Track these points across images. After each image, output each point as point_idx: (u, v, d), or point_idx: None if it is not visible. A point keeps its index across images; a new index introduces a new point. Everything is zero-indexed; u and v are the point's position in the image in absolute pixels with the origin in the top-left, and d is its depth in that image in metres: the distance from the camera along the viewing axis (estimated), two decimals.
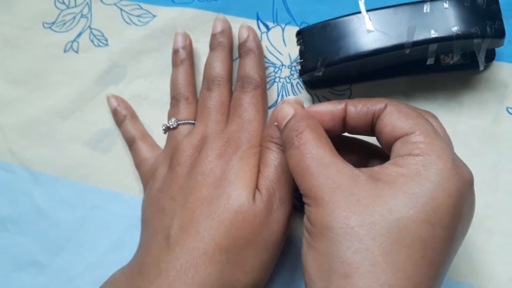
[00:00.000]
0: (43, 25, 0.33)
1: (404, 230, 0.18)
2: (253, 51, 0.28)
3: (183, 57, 0.30)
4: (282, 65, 0.30)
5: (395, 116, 0.21)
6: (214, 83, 0.28)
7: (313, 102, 0.30)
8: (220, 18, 0.29)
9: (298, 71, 0.30)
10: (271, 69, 0.31)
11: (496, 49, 0.28)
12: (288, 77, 0.30)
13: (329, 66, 0.26)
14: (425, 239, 0.18)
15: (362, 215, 0.18)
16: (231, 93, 0.28)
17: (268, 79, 0.30)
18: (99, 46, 0.33)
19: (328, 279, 0.18)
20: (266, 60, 0.31)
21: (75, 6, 0.33)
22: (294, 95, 0.30)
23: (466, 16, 0.25)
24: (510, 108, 0.28)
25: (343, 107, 0.23)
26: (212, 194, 0.24)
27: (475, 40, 0.24)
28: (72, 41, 0.33)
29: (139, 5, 0.32)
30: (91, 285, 0.29)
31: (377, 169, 0.20)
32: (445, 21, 0.25)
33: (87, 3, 0.33)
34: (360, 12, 0.26)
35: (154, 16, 0.32)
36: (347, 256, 0.18)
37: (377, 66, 0.28)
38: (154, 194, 0.26)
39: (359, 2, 0.26)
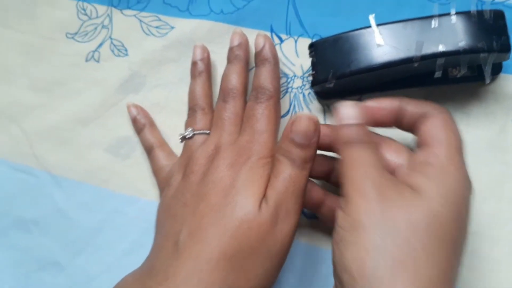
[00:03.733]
0: (66, 35, 0.35)
1: (440, 227, 0.20)
2: (268, 60, 0.29)
3: (201, 69, 0.31)
4: (295, 75, 0.32)
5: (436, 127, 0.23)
6: (230, 95, 0.29)
7: (325, 112, 0.31)
8: (237, 32, 0.30)
9: (310, 82, 0.31)
10: (284, 79, 0.32)
11: (503, 62, 0.29)
12: (300, 87, 0.31)
13: (340, 78, 0.27)
14: (455, 237, 0.20)
15: (406, 213, 0.20)
16: (245, 104, 0.29)
17: (281, 89, 0.32)
18: (119, 56, 0.34)
19: (372, 275, 0.19)
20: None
21: (97, 17, 0.35)
22: (306, 105, 0.31)
23: (473, 31, 0.26)
24: None
25: (398, 104, 0.24)
26: (221, 202, 0.24)
27: (482, 55, 0.25)
28: (94, 51, 0.34)
29: (158, 17, 0.34)
30: (109, 286, 0.31)
31: (408, 177, 0.22)
32: (452, 36, 0.26)
33: (108, 15, 0.35)
34: (370, 27, 0.27)
35: (172, 27, 0.33)
36: (392, 251, 0.19)
37: (387, 78, 0.29)
38: (168, 201, 0.27)
39: (370, 17, 0.27)
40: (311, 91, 0.31)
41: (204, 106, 0.30)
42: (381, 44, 0.26)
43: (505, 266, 0.27)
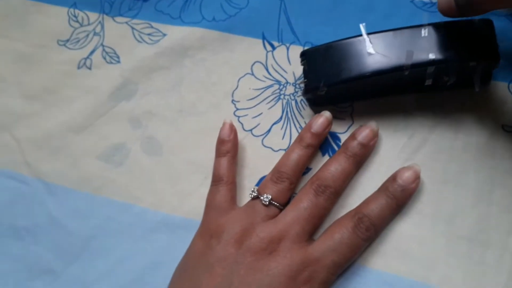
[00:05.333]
0: (57, 42, 0.35)
1: None
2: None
3: (309, 142, 0.29)
4: (287, 82, 0.32)
5: None
6: (324, 192, 0.27)
7: None
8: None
9: (302, 89, 0.31)
10: (276, 86, 0.32)
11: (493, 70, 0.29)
12: (293, 94, 0.32)
13: (331, 86, 0.28)
14: None
15: None
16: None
17: (273, 96, 0.32)
18: (111, 63, 0.34)
19: None
20: (271, 78, 0.32)
21: (88, 24, 0.35)
22: (298, 111, 0.31)
23: (462, 40, 0.26)
24: (506, 126, 0.29)
25: None
26: None
27: (471, 63, 0.26)
28: (86, 58, 0.34)
29: (150, 24, 0.34)
30: None
31: None
32: (442, 45, 0.26)
33: (99, 22, 0.35)
34: (361, 35, 0.27)
35: (164, 35, 0.34)
36: None
37: (378, 86, 0.29)
38: (212, 260, 0.26)
39: (360, 26, 0.27)
40: (303, 98, 0.31)
41: (293, 180, 0.28)
42: (372, 53, 0.26)
43: (495, 270, 0.27)
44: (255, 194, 0.28)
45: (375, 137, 0.29)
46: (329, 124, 0.29)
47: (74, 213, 0.32)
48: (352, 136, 0.28)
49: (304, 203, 0.27)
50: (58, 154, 0.33)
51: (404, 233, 0.28)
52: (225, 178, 0.29)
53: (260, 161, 0.31)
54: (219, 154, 0.30)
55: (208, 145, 0.31)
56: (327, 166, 0.28)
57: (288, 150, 0.29)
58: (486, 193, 0.28)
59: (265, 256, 0.26)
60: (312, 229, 0.27)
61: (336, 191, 0.27)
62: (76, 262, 0.32)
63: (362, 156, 0.28)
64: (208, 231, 0.28)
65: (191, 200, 0.31)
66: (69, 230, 0.32)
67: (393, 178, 0.27)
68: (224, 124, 0.30)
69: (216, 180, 0.29)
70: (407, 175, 0.27)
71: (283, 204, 0.28)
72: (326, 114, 0.29)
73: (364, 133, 0.28)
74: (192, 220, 0.30)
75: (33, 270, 0.32)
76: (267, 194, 0.28)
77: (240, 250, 0.26)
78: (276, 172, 0.28)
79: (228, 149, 0.30)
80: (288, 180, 0.28)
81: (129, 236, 0.31)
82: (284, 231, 0.26)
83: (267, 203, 0.27)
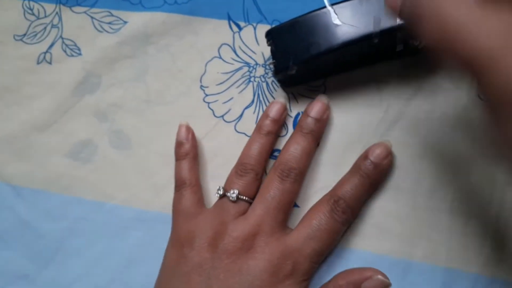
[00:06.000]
0: (14, 37, 0.33)
1: None
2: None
3: (269, 129, 0.28)
4: (256, 64, 0.31)
5: None
6: (289, 176, 0.26)
7: (289, 100, 0.30)
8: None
9: (272, 70, 0.30)
10: (246, 69, 0.31)
11: None
12: (263, 76, 0.30)
13: (301, 64, 0.26)
14: None
15: None
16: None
17: (243, 79, 0.31)
18: (72, 56, 0.32)
19: None
20: (240, 60, 0.31)
21: (45, 16, 0.33)
22: (270, 93, 0.30)
23: None
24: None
25: None
26: None
27: None
28: (45, 52, 0.33)
29: (109, 12, 0.32)
30: None
31: None
32: None
33: (56, 13, 0.33)
34: (325, 7, 0.26)
35: (125, 22, 0.32)
36: None
37: (349, 58, 0.28)
38: (186, 265, 0.25)
39: None
40: (274, 79, 0.30)
41: (259, 170, 0.27)
42: (338, 24, 0.25)
43: (479, 241, 0.27)
44: (221, 193, 0.27)
45: (327, 110, 0.28)
46: (285, 109, 0.29)
47: (45, 215, 0.31)
48: (305, 113, 0.28)
49: (271, 191, 0.26)
50: (23, 155, 0.32)
51: (383, 210, 0.27)
52: (187, 181, 0.28)
53: (234, 148, 0.30)
54: (178, 157, 0.29)
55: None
56: (286, 149, 0.27)
57: (249, 141, 0.28)
58: (465, 164, 0.27)
59: (242, 255, 0.25)
60: (285, 216, 0.26)
61: (301, 172, 0.27)
62: (50, 265, 0.30)
63: (319, 131, 0.28)
64: (178, 240, 0.27)
65: (165, 193, 0.30)
66: (40, 232, 0.31)
67: (365, 156, 0.26)
68: (180, 126, 0.29)
69: (179, 184, 0.28)
70: (378, 152, 0.26)
71: (252, 197, 0.27)
72: (281, 100, 0.29)
73: (316, 108, 0.28)
74: (168, 214, 0.29)
75: (6, 276, 0.31)
76: (233, 189, 0.26)
77: (215, 253, 0.25)
78: (240, 165, 0.27)
79: (187, 151, 0.29)
80: (253, 171, 0.27)
81: (104, 235, 0.30)
82: (256, 225, 0.25)
83: (235, 198, 0.26)
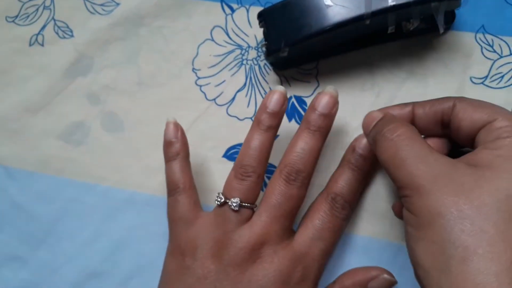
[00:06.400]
0: (5, 19, 0.33)
1: None
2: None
3: (269, 123, 0.25)
4: (249, 46, 0.30)
5: (469, 110, 0.21)
6: (296, 179, 0.25)
7: (281, 83, 0.30)
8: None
9: (264, 52, 0.30)
10: (238, 51, 0.30)
11: (459, 20, 0.28)
12: (255, 58, 0.30)
13: (293, 45, 0.26)
14: None
15: (470, 198, 0.18)
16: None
17: (235, 62, 0.30)
18: (64, 37, 0.32)
19: (445, 267, 0.18)
20: (232, 43, 0.31)
21: None
22: (263, 77, 0.30)
23: None
24: (474, 77, 0.28)
25: (410, 109, 0.24)
26: None
27: (433, 4, 0.24)
28: (37, 34, 0.32)
29: None
30: (73, 276, 0.30)
31: (469, 156, 0.20)
32: None
33: None
34: None
35: (117, 4, 0.32)
36: (463, 240, 0.18)
37: (341, 40, 0.28)
38: (189, 277, 0.24)
39: None
40: (267, 62, 0.30)
41: (260, 171, 0.25)
42: (330, 5, 0.25)
43: None
44: (222, 201, 0.25)
45: (336, 103, 0.25)
46: (285, 99, 0.25)
47: (37, 196, 0.31)
48: (312, 107, 0.25)
49: (277, 197, 0.24)
50: (16, 137, 0.32)
51: (379, 195, 0.27)
52: (181, 185, 0.26)
53: (225, 131, 0.30)
54: (168, 158, 0.27)
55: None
56: (292, 148, 0.25)
57: (247, 137, 0.25)
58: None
59: (250, 266, 0.24)
60: (291, 223, 0.25)
61: (308, 174, 0.25)
62: (42, 246, 0.31)
63: (327, 128, 0.25)
64: (178, 249, 0.25)
65: (157, 176, 0.30)
66: (33, 214, 0.31)
67: (352, 148, 0.26)
68: (167, 124, 0.27)
69: (172, 189, 0.26)
70: (364, 143, 0.26)
71: (255, 202, 0.25)
72: (280, 89, 0.25)
73: (323, 101, 0.25)
74: (160, 197, 0.29)
75: None
76: (234, 197, 0.24)
77: (220, 265, 0.24)
78: (240, 167, 0.25)
79: (178, 150, 0.27)
80: (255, 174, 0.25)
81: (95, 217, 0.30)
82: (263, 234, 0.24)
83: (237, 208, 0.24)
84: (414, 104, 0.24)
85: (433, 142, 0.24)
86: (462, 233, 0.18)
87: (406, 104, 0.25)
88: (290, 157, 0.25)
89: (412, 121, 0.24)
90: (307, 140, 0.25)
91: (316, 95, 0.25)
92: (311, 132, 0.25)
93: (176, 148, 0.27)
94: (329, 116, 0.25)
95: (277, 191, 0.24)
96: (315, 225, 0.25)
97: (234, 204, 0.24)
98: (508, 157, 0.19)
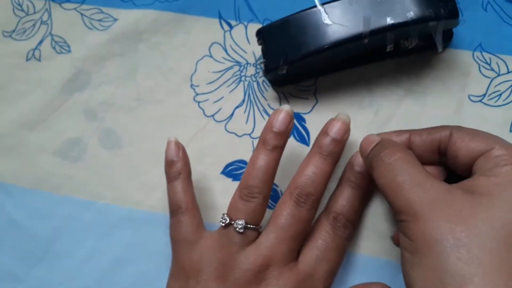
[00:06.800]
0: (3, 33, 0.33)
1: (510, 236, 0.18)
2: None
3: (275, 143, 0.25)
4: (247, 63, 0.30)
5: (466, 139, 0.22)
6: (306, 201, 0.24)
7: (280, 100, 0.30)
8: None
9: (263, 69, 0.30)
10: (236, 68, 0.30)
11: (456, 38, 0.28)
12: (254, 75, 0.30)
13: (291, 63, 0.26)
14: None
15: (467, 225, 0.18)
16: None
17: (234, 79, 0.30)
18: (61, 53, 0.32)
19: None
20: (231, 59, 0.31)
21: (34, 12, 0.33)
22: (261, 93, 0.30)
23: (419, 0, 0.25)
24: (472, 95, 0.28)
25: (407, 137, 0.24)
26: None
27: (431, 23, 0.25)
28: (34, 49, 0.32)
29: (99, 9, 0.32)
30: None
31: (467, 182, 0.20)
32: (400, 7, 0.25)
33: (46, 9, 0.32)
34: (316, 6, 0.26)
35: (115, 19, 0.32)
36: (459, 268, 0.18)
37: (340, 57, 0.28)
38: None
39: None
40: (265, 79, 0.30)
41: (266, 192, 0.25)
42: (329, 23, 0.25)
43: None
44: (227, 221, 0.24)
45: (348, 130, 0.25)
46: (291, 118, 0.25)
47: (34, 214, 0.31)
48: (324, 132, 0.25)
49: (285, 218, 0.24)
50: (12, 153, 0.31)
51: (379, 213, 0.27)
52: (183, 205, 0.26)
53: (224, 147, 0.30)
54: (170, 178, 0.27)
55: (169, 134, 0.29)
56: (303, 171, 0.25)
57: (253, 157, 0.25)
58: None
59: None
60: (298, 245, 0.25)
61: (318, 198, 0.25)
62: (39, 264, 0.30)
63: (338, 153, 0.25)
64: (182, 271, 0.25)
65: (155, 193, 0.30)
66: (30, 232, 0.31)
67: (351, 166, 0.26)
68: (168, 143, 0.27)
69: (174, 210, 0.26)
70: (361, 160, 0.26)
71: (260, 223, 0.25)
72: (286, 108, 0.25)
73: (336, 127, 0.25)
74: (158, 213, 0.29)
75: None
76: (239, 219, 0.24)
77: (224, 287, 0.24)
78: (245, 188, 0.24)
79: (179, 170, 0.26)
80: (261, 195, 0.24)
81: (93, 234, 0.30)
82: (269, 256, 0.24)
83: (242, 230, 0.24)
84: (411, 132, 0.25)
85: (429, 170, 0.24)
86: (459, 261, 0.18)
87: (403, 131, 0.25)
88: (301, 179, 0.24)
89: (409, 148, 0.24)
90: (318, 164, 0.25)
91: (329, 121, 0.26)
92: (323, 156, 0.25)
93: (177, 168, 0.26)
94: (341, 142, 0.25)
95: (286, 212, 0.24)
96: (318, 245, 0.25)
97: (239, 226, 0.24)
98: (505, 185, 0.19)
